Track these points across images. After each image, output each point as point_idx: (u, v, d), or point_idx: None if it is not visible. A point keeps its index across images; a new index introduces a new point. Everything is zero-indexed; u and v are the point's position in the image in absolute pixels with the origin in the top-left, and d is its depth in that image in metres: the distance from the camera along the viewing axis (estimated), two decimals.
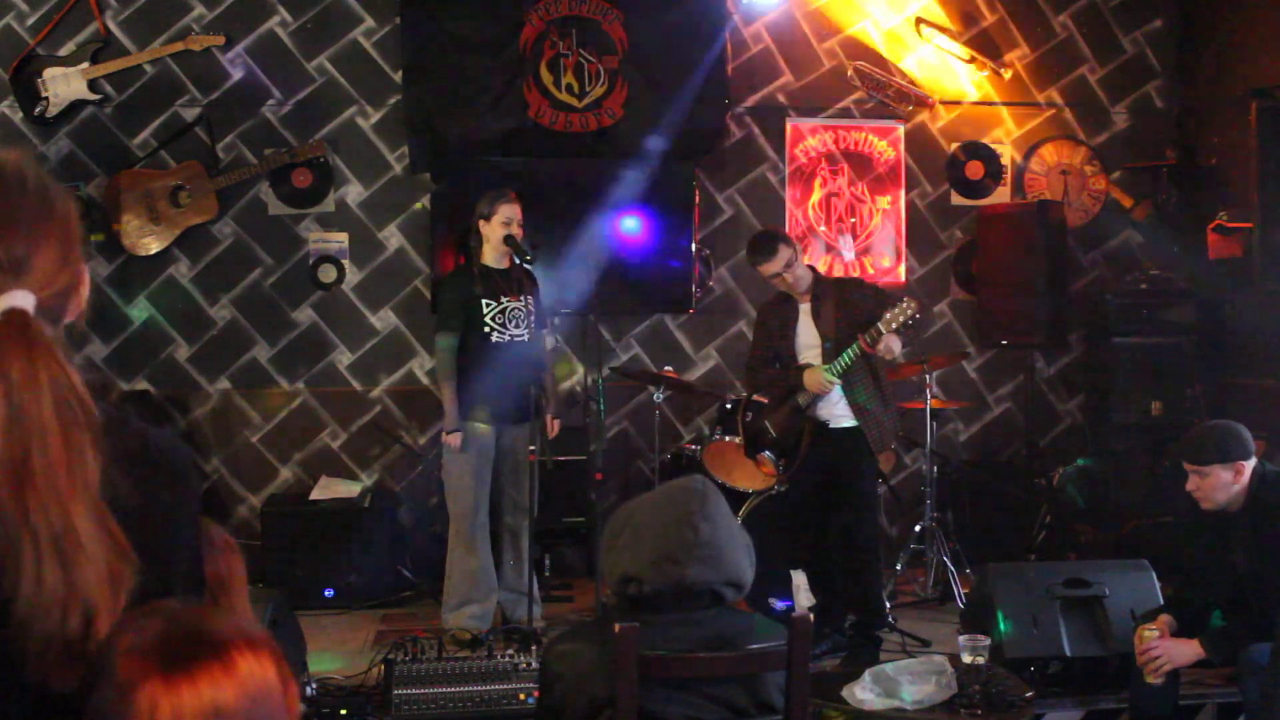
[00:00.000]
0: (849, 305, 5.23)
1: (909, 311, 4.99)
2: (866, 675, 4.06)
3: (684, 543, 2.38)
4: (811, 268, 5.49)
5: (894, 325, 5.01)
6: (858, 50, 7.26)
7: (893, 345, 5.07)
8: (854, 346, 5.08)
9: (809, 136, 7.27)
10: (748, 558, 2.48)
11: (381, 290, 6.98)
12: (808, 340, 5.29)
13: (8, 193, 1.37)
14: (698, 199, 7.07)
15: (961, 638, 4.18)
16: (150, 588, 1.35)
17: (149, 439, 1.48)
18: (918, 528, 6.42)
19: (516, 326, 5.55)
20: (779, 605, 5.65)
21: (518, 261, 5.56)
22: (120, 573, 1.30)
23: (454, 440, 5.50)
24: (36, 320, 1.34)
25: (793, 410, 5.31)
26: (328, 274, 6.92)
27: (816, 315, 5.27)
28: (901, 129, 7.32)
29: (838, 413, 5.27)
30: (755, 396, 5.61)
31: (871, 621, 5.28)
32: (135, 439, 1.44)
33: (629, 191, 6.97)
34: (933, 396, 6.37)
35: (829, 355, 5.18)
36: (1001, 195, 7.37)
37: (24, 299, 1.33)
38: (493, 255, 5.59)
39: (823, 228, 7.29)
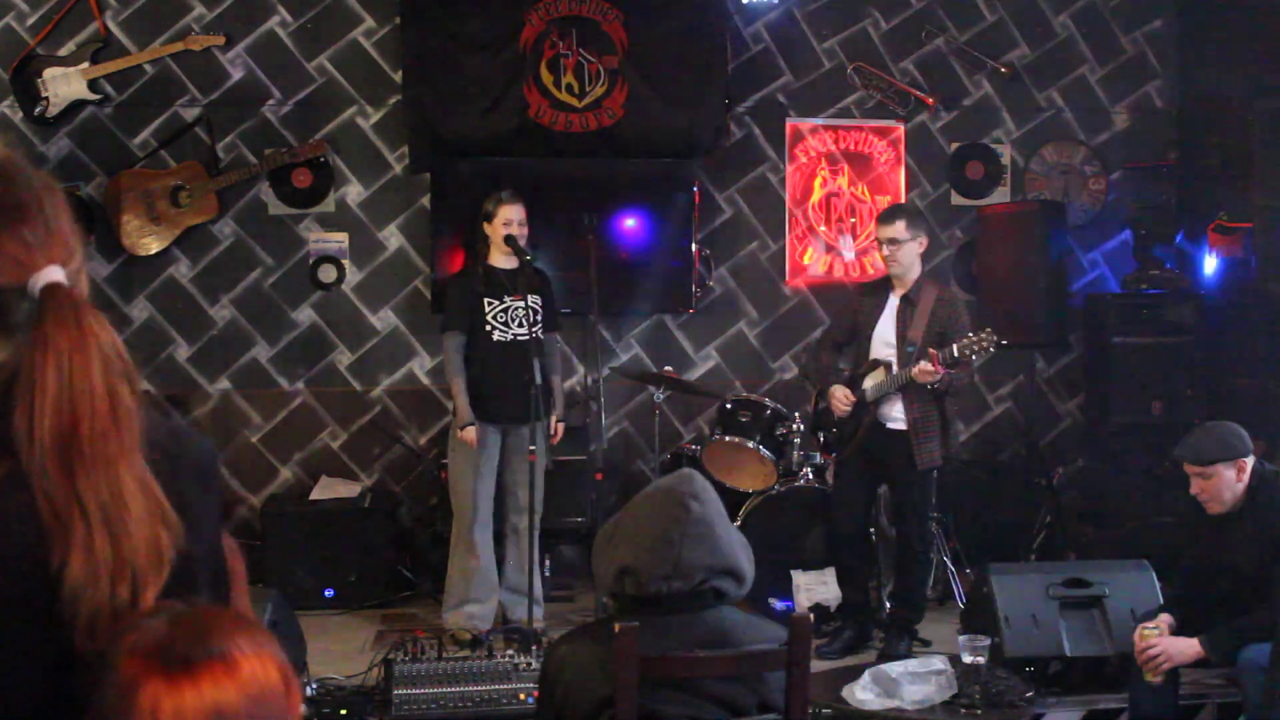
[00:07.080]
0: (938, 319, 5.25)
1: (985, 343, 4.99)
2: (866, 675, 4.07)
3: (676, 520, 2.41)
4: (926, 271, 5.47)
5: (966, 351, 5.01)
6: (858, 50, 7.26)
7: (925, 368, 5.07)
8: (919, 363, 5.09)
9: (809, 136, 7.27)
10: (745, 552, 2.50)
11: (381, 290, 6.98)
12: (885, 336, 5.37)
13: (13, 181, 1.39)
14: (698, 199, 7.07)
15: (961, 638, 4.18)
16: (175, 588, 1.34)
17: (177, 430, 1.48)
18: None
19: (519, 325, 5.56)
20: (779, 605, 5.65)
21: (524, 261, 5.57)
22: (162, 539, 1.33)
23: (469, 435, 5.49)
24: (75, 289, 1.38)
25: (858, 400, 5.41)
26: (328, 274, 6.92)
27: (903, 315, 5.32)
28: (902, 129, 7.32)
29: (893, 414, 5.33)
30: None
31: (910, 616, 5.44)
32: (163, 429, 1.44)
33: (629, 191, 6.97)
34: None
35: (906, 360, 5.20)
36: (1001, 195, 7.36)
37: (58, 273, 1.37)
38: (498, 255, 5.61)
39: (823, 228, 7.29)
